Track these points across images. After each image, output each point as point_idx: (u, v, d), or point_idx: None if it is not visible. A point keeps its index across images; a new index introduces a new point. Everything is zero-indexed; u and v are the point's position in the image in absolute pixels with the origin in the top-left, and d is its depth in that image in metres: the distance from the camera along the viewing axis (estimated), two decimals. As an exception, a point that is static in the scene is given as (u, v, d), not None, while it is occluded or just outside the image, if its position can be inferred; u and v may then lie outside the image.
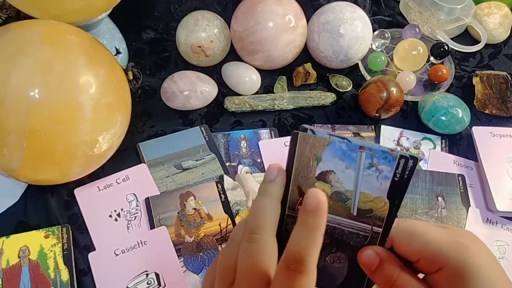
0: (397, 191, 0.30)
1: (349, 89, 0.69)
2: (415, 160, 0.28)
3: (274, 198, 0.31)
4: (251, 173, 0.58)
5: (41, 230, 0.52)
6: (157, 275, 0.50)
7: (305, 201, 0.28)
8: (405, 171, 0.29)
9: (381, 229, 0.32)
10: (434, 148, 0.63)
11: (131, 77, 0.60)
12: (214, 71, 0.69)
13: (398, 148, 0.62)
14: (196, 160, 0.59)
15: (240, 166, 0.60)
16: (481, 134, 0.63)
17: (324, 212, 0.28)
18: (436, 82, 0.69)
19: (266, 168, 0.59)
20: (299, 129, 0.30)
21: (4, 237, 0.51)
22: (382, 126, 0.64)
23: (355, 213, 0.32)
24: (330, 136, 0.29)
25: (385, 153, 0.29)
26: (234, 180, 0.57)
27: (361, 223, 0.32)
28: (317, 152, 0.30)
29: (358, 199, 0.31)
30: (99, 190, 0.56)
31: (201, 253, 0.52)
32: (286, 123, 0.65)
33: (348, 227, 0.32)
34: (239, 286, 0.30)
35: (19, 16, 0.57)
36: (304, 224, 0.28)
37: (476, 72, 0.70)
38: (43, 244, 0.51)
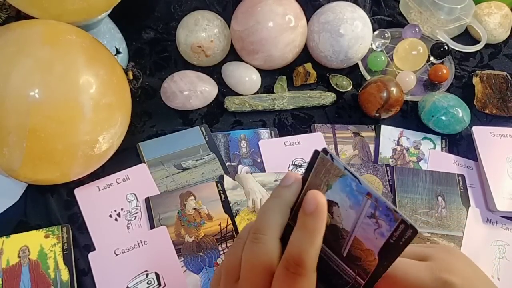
0: (388, 253, 0.29)
1: (349, 89, 0.69)
2: (414, 231, 0.27)
3: (284, 202, 0.31)
4: (251, 173, 0.58)
5: (41, 230, 0.52)
6: (157, 275, 0.50)
7: (304, 203, 0.28)
8: (401, 238, 0.28)
9: (363, 282, 0.30)
10: (434, 148, 0.63)
11: (131, 77, 0.60)
12: (214, 71, 0.69)
13: (398, 149, 0.63)
14: (196, 160, 0.59)
15: (240, 166, 0.60)
16: (481, 134, 0.63)
17: (323, 215, 0.28)
18: (436, 82, 0.69)
19: (266, 168, 0.59)
20: (321, 150, 0.30)
21: (4, 237, 0.51)
22: (382, 126, 0.64)
23: (344, 254, 0.31)
24: (345, 169, 0.29)
25: (389, 210, 0.27)
26: (234, 180, 0.57)
27: (347, 267, 0.31)
28: (329, 179, 0.30)
29: (351, 243, 0.30)
30: (99, 190, 0.56)
31: (201, 253, 0.52)
32: (286, 123, 0.65)
33: (334, 265, 0.32)
34: (242, 285, 0.30)
35: (19, 16, 0.57)
36: (304, 226, 0.28)
37: (476, 72, 0.70)
38: (43, 244, 0.51)
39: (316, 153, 0.30)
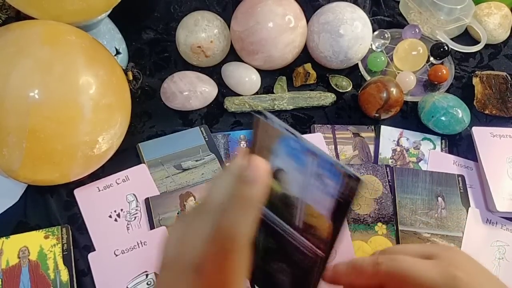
0: (339, 213, 0.27)
1: (349, 89, 0.69)
2: (358, 181, 0.25)
3: (230, 173, 0.29)
4: (251, 174, 0.58)
5: (41, 230, 0.52)
6: (157, 276, 0.50)
7: (244, 171, 0.26)
8: (347, 191, 0.25)
9: (323, 254, 0.28)
10: (434, 148, 0.63)
11: (131, 77, 0.60)
12: (214, 72, 0.69)
13: (398, 149, 0.62)
14: (196, 161, 0.59)
15: (240, 167, 0.59)
16: (481, 135, 0.63)
17: (264, 185, 0.26)
18: (436, 83, 0.69)
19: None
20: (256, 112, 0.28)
21: (4, 237, 0.51)
22: (382, 127, 0.64)
23: (300, 225, 0.29)
24: (282, 128, 0.26)
25: (331, 165, 0.25)
26: (234, 181, 0.57)
27: (305, 240, 0.29)
28: (271, 143, 0.27)
29: (304, 210, 0.28)
30: (99, 190, 0.56)
31: (201, 254, 0.52)
32: (286, 123, 0.65)
33: (292, 239, 0.30)
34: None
35: (19, 16, 0.57)
36: (238, 196, 0.26)
37: (476, 72, 0.70)
38: (43, 244, 0.51)
39: (255, 120, 0.28)
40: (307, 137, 0.62)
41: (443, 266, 0.32)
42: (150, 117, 0.64)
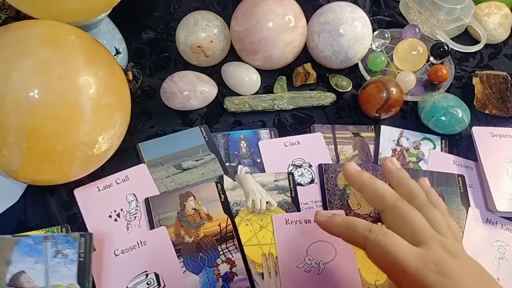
0: (83, 272, 0.30)
1: (349, 89, 0.69)
2: (91, 235, 0.28)
3: None
4: (251, 173, 0.58)
5: (41, 230, 0.52)
6: (156, 276, 0.50)
7: None
8: (85, 248, 0.29)
9: None
10: (434, 148, 0.63)
11: (130, 77, 0.60)
12: (214, 71, 0.69)
13: (398, 149, 0.63)
14: (196, 161, 0.59)
15: (240, 166, 0.60)
16: (481, 134, 0.63)
17: None
18: (436, 82, 0.69)
19: (266, 168, 0.59)
20: None
21: (4, 237, 0.51)
22: (382, 126, 0.64)
23: None
24: (14, 236, 0.29)
25: (66, 236, 0.28)
26: (234, 181, 0.57)
27: None
28: (6, 254, 0.29)
29: None
30: (99, 190, 0.56)
31: (200, 253, 0.52)
32: (286, 123, 0.65)
33: None
34: None
35: (18, 16, 0.57)
36: None
37: (476, 72, 0.70)
38: (43, 244, 0.51)
39: None
40: (307, 137, 0.62)
41: (425, 260, 0.35)
42: (150, 117, 0.64)
